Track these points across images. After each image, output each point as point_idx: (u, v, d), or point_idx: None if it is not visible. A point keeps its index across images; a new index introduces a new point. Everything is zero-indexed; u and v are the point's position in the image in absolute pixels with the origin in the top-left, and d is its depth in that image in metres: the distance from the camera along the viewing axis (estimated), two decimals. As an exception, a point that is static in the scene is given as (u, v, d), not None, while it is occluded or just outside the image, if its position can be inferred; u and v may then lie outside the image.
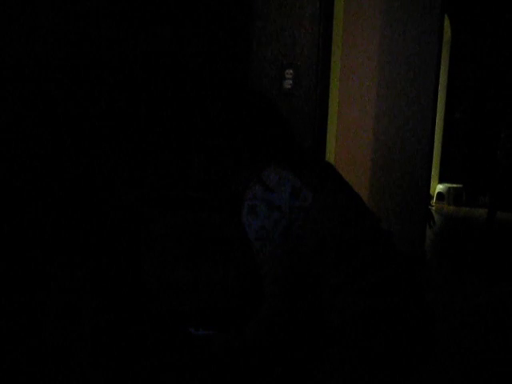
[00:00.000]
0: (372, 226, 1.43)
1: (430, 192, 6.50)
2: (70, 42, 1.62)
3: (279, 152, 1.41)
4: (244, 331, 1.47)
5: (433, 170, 6.40)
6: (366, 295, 1.29)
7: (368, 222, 1.43)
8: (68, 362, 1.59)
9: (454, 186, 8.89)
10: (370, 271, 1.31)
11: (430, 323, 1.39)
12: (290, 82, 3.05)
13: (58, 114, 1.61)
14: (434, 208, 7.99)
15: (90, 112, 1.67)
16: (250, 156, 1.42)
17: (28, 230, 1.56)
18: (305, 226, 1.30)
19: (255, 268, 1.57)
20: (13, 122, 1.53)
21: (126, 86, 1.71)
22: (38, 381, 1.56)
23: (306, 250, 1.30)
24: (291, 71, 3.03)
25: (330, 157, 3.71)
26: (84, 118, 1.65)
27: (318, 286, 1.33)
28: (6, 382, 1.51)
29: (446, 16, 5.53)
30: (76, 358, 1.60)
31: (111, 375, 1.61)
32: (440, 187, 8.98)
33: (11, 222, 1.53)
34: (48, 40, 1.56)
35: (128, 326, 1.66)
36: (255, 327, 1.42)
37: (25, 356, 1.55)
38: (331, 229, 1.31)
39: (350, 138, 3.95)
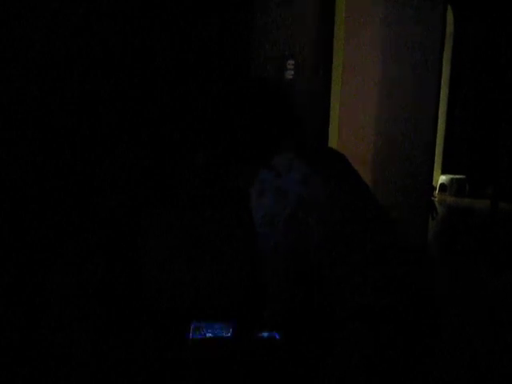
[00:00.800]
0: (380, 217, 1.42)
1: (433, 183, 6.48)
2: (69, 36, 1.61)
3: (289, 140, 1.40)
4: (251, 327, 1.47)
5: (436, 161, 6.38)
6: (372, 288, 1.28)
7: (375, 212, 1.42)
8: (68, 362, 1.59)
9: (457, 177, 8.87)
10: (378, 263, 1.30)
11: (435, 316, 1.38)
12: (292, 72, 3.03)
13: (58, 110, 1.60)
14: (436, 199, 7.99)
15: (89, 109, 1.65)
16: (259, 145, 1.41)
17: (27, 228, 1.55)
18: (311, 214, 1.28)
19: (256, 262, 1.56)
20: (13, 121, 1.52)
21: (125, 83, 1.70)
22: (38, 380, 1.56)
23: (312, 239, 1.29)
24: (293, 62, 3.02)
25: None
26: (82, 115, 1.64)
27: (323, 277, 1.32)
28: (5, 381, 1.51)
29: (449, 8, 5.50)
30: (76, 358, 1.60)
31: (112, 375, 1.60)
32: (443, 178, 8.97)
33: (10, 222, 1.52)
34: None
35: (128, 325, 1.65)
36: (263, 321, 1.42)
37: (24, 355, 1.55)
38: (338, 218, 1.29)
39: (352, 132, 3.94)
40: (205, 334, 1.61)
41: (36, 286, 1.55)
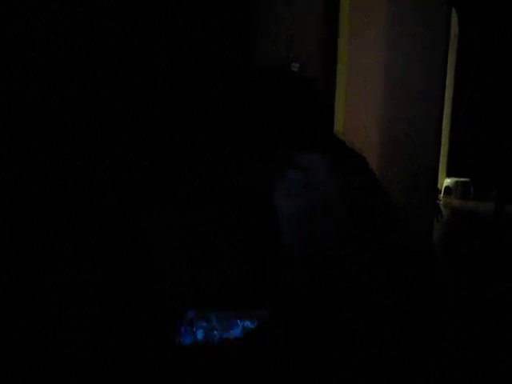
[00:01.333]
0: (387, 215, 1.43)
1: (438, 186, 6.47)
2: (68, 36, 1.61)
3: (289, 139, 1.40)
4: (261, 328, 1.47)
5: (440, 163, 6.36)
6: (379, 288, 1.29)
7: (384, 210, 1.43)
8: (68, 362, 1.59)
9: (462, 179, 8.86)
10: (385, 263, 1.31)
11: (438, 316, 1.39)
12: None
13: (58, 110, 1.60)
14: (441, 202, 7.97)
15: (89, 109, 1.65)
16: (259, 144, 1.41)
17: (27, 228, 1.55)
18: (329, 212, 1.29)
19: (259, 262, 1.56)
20: (13, 122, 1.52)
21: (125, 83, 1.70)
22: (38, 380, 1.56)
23: (323, 238, 1.29)
24: (298, 64, 3.01)
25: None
26: (82, 115, 1.64)
27: (330, 276, 1.32)
28: (5, 381, 1.51)
29: (454, 11, 5.48)
30: (76, 358, 1.59)
31: (112, 375, 1.60)
32: (448, 181, 8.96)
33: (10, 222, 1.53)
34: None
35: (128, 325, 1.65)
36: (275, 317, 1.42)
37: (24, 355, 1.55)
38: (347, 215, 1.30)
39: (354, 132, 3.94)
40: (196, 331, 1.61)
41: (36, 285, 1.55)
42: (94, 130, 1.63)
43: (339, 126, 3.75)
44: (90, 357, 1.60)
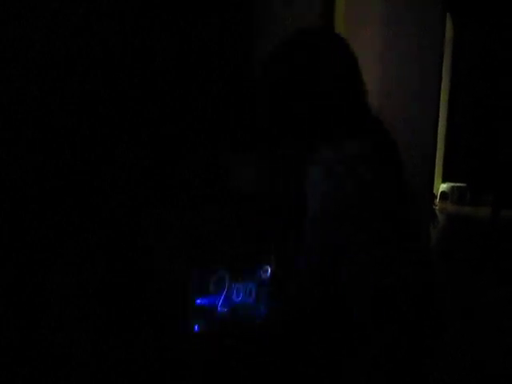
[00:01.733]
0: (409, 223, 1.44)
1: (434, 191, 6.47)
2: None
3: (289, 139, 1.40)
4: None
5: (436, 169, 6.37)
6: (377, 268, 1.29)
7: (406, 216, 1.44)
8: (68, 362, 1.59)
9: (458, 185, 8.85)
10: (391, 268, 1.31)
11: (437, 317, 1.39)
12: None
13: (57, 108, 1.60)
14: (437, 207, 7.98)
15: (89, 109, 1.65)
16: (260, 144, 1.41)
17: (27, 228, 1.55)
18: (360, 201, 1.28)
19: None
20: (13, 121, 1.52)
21: (125, 83, 1.70)
22: (38, 380, 1.56)
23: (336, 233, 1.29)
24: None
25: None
26: (82, 115, 1.64)
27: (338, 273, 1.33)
28: (5, 381, 1.51)
29: (448, 15, 5.48)
30: (76, 358, 1.59)
31: (112, 375, 1.60)
32: (443, 186, 8.95)
33: (10, 222, 1.52)
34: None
35: (128, 325, 1.65)
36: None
37: (24, 355, 1.55)
38: (374, 213, 1.30)
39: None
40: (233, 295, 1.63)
41: (36, 285, 1.54)
42: (94, 130, 1.63)
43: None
44: (89, 357, 1.60)
